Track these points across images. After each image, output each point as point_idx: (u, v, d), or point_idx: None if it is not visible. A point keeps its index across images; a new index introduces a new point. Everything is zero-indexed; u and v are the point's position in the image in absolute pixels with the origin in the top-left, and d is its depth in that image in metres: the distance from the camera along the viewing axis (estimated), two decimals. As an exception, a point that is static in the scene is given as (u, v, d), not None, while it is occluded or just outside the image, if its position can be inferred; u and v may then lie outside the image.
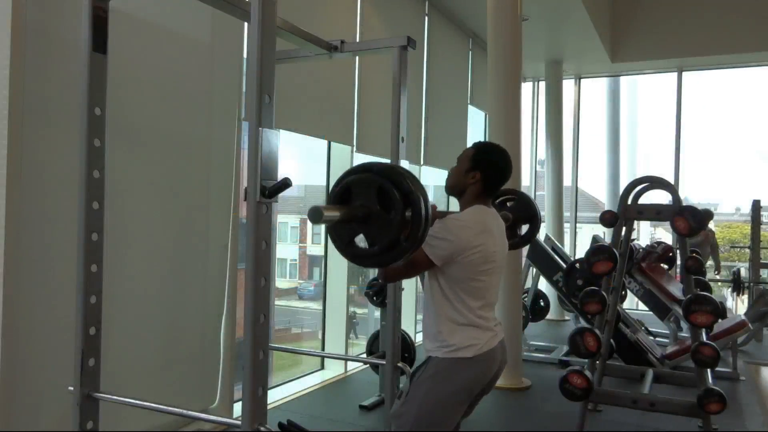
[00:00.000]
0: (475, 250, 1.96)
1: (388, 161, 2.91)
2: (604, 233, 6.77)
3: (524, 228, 2.85)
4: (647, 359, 4.90)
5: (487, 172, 2.07)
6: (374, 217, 1.68)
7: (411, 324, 6.01)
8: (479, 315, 2.01)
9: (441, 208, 2.28)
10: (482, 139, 2.22)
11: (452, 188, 2.16)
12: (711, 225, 7.27)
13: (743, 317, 5.35)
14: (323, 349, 4.97)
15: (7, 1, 2.30)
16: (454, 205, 2.24)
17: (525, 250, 5.63)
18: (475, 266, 1.98)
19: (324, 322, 4.93)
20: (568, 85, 8.74)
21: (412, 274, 2.06)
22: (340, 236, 1.76)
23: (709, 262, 7.12)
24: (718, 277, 7.32)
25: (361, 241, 1.78)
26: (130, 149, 2.86)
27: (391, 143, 2.89)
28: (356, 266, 6.32)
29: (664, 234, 10.75)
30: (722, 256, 7.83)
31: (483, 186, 2.07)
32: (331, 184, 4.86)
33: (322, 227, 5.05)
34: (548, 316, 6.91)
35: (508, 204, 2.81)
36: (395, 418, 2.03)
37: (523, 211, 2.79)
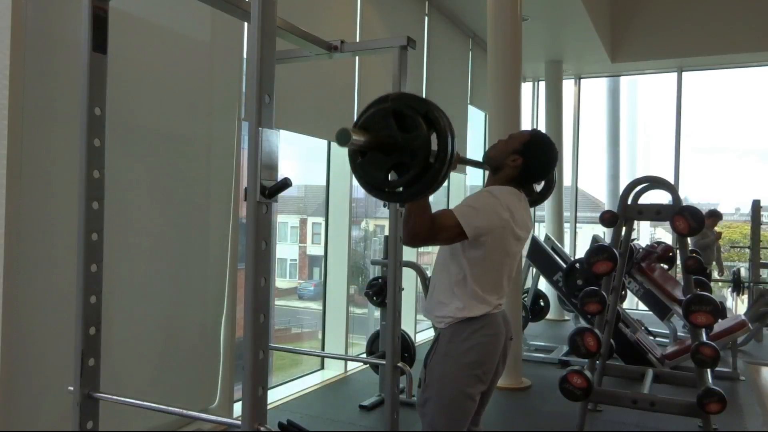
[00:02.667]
0: (502, 230, 1.97)
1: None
2: (604, 233, 6.77)
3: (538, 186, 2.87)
4: (647, 359, 4.90)
5: (530, 162, 2.06)
6: (400, 146, 1.67)
7: (411, 324, 6.01)
8: (490, 296, 2.03)
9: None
10: (482, 148, 2.23)
11: (492, 159, 2.14)
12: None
13: (743, 317, 5.35)
14: (323, 349, 4.97)
15: (7, 1, 2.30)
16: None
17: (525, 250, 5.62)
18: (499, 247, 1.99)
19: (324, 322, 4.93)
20: (568, 85, 8.74)
21: (438, 239, 1.98)
22: (371, 172, 1.74)
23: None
24: (720, 277, 7.32)
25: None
26: (130, 149, 2.86)
27: (391, 143, 2.88)
28: (356, 266, 6.33)
29: (664, 234, 10.75)
30: (722, 256, 7.83)
31: (520, 173, 2.07)
32: (332, 184, 4.91)
33: (321, 229, 5.04)
34: (548, 316, 6.91)
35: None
36: (420, 406, 2.05)
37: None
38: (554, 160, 2.12)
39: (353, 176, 1.83)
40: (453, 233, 1.93)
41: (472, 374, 2.00)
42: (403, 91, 1.94)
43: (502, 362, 2.12)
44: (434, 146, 1.67)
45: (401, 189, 1.73)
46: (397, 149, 1.67)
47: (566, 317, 7.48)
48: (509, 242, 2.02)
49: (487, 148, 2.17)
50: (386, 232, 3.49)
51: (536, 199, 2.85)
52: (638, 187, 3.89)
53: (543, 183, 2.84)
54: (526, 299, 6.18)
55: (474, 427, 2.15)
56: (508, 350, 2.14)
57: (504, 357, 2.13)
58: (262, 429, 1.68)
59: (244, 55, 3.43)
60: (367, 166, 1.75)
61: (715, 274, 7.29)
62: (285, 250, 9.00)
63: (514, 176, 2.08)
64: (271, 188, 1.67)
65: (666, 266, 6.19)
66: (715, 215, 6.95)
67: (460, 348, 1.99)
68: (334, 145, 4.86)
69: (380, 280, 4.23)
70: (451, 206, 2.12)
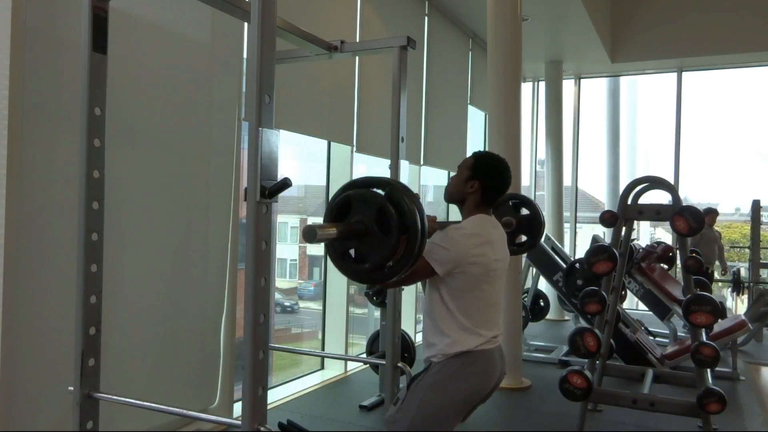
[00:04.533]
0: (476, 259, 1.97)
1: (388, 161, 2.91)
2: (604, 233, 6.77)
3: (524, 238, 2.87)
4: (647, 359, 4.90)
5: (486, 181, 2.08)
6: (370, 235, 1.71)
7: (411, 324, 6.01)
8: (480, 329, 2.01)
9: (441, 216, 2.30)
10: (482, 148, 2.24)
11: (452, 196, 2.17)
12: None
13: (743, 317, 5.35)
14: (323, 349, 4.97)
15: (7, 1, 2.30)
16: (454, 214, 2.26)
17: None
18: (477, 276, 1.98)
19: (324, 322, 4.93)
20: (568, 85, 8.74)
21: (412, 282, 2.06)
22: (334, 248, 1.80)
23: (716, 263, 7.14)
24: (723, 277, 7.32)
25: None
26: (130, 149, 2.86)
27: (391, 143, 2.89)
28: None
29: (664, 234, 10.75)
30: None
31: (482, 195, 2.08)
32: (332, 184, 4.91)
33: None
34: (548, 316, 6.91)
35: (521, 211, 2.81)
36: (389, 423, 2.03)
37: (529, 225, 2.80)
38: (507, 170, 2.13)
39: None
40: (425, 275, 1.98)
41: (455, 409, 1.98)
42: (396, 183, 1.96)
43: (490, 393, 2.10)
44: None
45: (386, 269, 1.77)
46: (367, 237, 1.73)
47: (566, 317, 7.47)
48: (483, 268, 2.00)
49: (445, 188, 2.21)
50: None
51: (514, 251, 2.83)
52: (638, 187, 3.88)
53: (525, 240, 2.84)
54: (526, 299, 6.17)
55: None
56: (499, 383, 2.12)
57: (494, 389, 2.10)
58: (262, 429, 1.68)
59: (244, 55, 3.44)
60: (336, 243, 1.79)
61: (717, 274, 7.28)
62: (285, 250, 9.00)
63: (480, 200, 2.09)
64: (271, 188, 1.68)
65: (666, 266, 6.19)
66: (712, 212, 6.96)
67: (450, 382, 1.97)
68: (334, 144, 4.86)
69: (380, 285, 4.22)
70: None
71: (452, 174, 2.21)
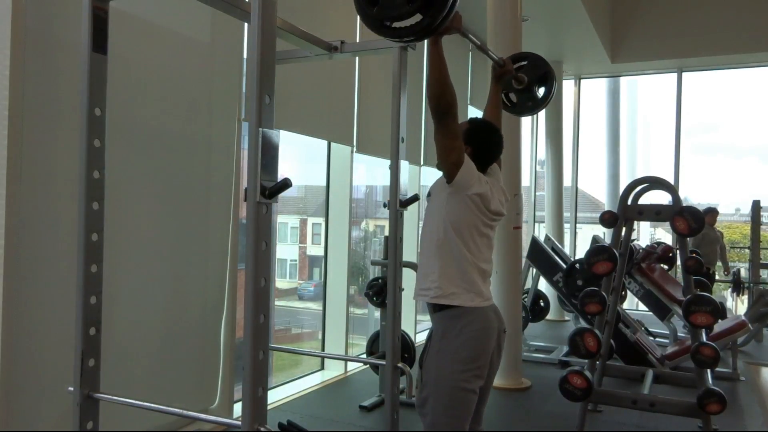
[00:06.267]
0: (481, 189, 2.04)
1: (388, 161, 2.91)
2: (604, 233, 6.77)
3: (540, 91, 2.91)
4: (647, 359, 4.90)
5: (479, 146, 2.15)
6: None
7: (411, 324, 6.01)
8: (479, 285, 2.07)
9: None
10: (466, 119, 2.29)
11: None
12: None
13: (743, 318, 5.35)
14: (323, 349, 4.96)
15: (7, 1, 2.30)
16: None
17: (525, 250, 5.63)
18: (480, 210, 2.05)
19: (324, 322, 4.93)
20: (568, 86, 8.74)
21: (447, 123, 1.98)
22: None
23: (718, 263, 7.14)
24: (725, 277, 7.33)
25: None
26: (130, 149, 2.85)
27: (391, 143, 2.89)
28: (356, 266, 6.33)
29: (664, 234, 10.75)
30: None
31: (476, 159, 2.13)
32: (332, 184, 4.90)
33: (321, 229, 5.04)
34: (548, 317, 6.91)
35: (521, 69, 2.87)
36: (420, 407, 2.06)
37: (537, 71, 2.85)
38: (498, 134, 2.23)
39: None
40: (457, 144, 1.98)
41: (468, 369, 2.00)
42: None
43: (497, 355, 2.13)
44: None
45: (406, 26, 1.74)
46: None
47: (566, 318, 7.47)
48: (485, 208, 2.07)
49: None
50: (386, 233, 3.49)
51: (538, 104, 2.90)
52: (638, 188, 3.88)
53: (543, 89, 2.89)
54: (526, 300, 6.17)
55: (476, 426, 2.15)
56: (502, 342, 2.15)
57: (499, 350, 2.13)
58: (262, 429, 1.68)
59: (244, 55, 3.43)
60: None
61: (719, 275, 7.28)
62: (285, 250, 9.00)
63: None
64: (271, 188, 1.67)
65: (666, 266, 6.19)
66: (712, 211, 6.96)
67: (453, 344, 2.01)
68: (334, 145, 4.86)
69: (380, 281, 4.23)
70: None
71: None
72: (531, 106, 2.96)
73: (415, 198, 2.97)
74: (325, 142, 4.84)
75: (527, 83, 2.81)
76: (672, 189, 3.80)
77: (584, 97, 9.06)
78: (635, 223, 3.99)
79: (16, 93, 2.33)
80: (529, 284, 6.26)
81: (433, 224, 2.10)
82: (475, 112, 7.67)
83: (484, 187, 2.05)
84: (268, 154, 1.69)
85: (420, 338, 5.94)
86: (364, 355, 4.46)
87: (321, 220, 5.20)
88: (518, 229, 4.63)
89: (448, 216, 2.05)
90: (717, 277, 7.21)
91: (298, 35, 2.70)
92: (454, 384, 1.99)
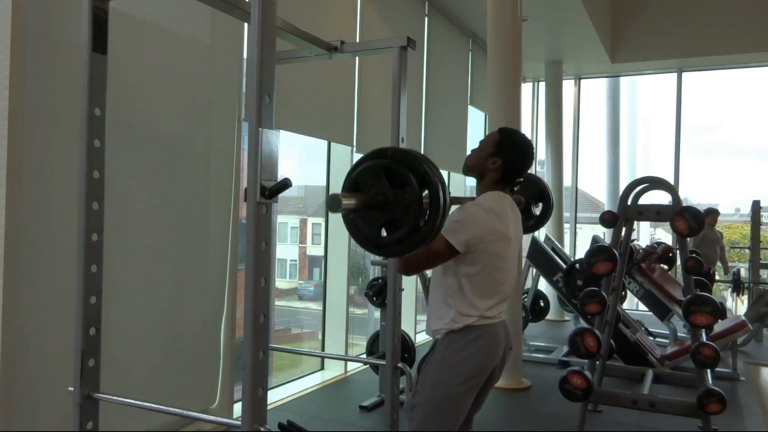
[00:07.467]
0: (494, 237, 1.96)
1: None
2: (604, 233, 6.77)
3: (537, 209, 2.90)
4: (647, 360, 4.90)
5: (509, 160, 2.05)
6: (392, 203, 1.68)
7: (411, 324, 6.01)
8: (488, 312, 2.02)
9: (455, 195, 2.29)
10: (498, 128, 2.23)
11: (471, 169, 2.14)
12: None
13: (743, 318, 5.35)
14: (323, 349, 4.96)
15: (7, 1, 2.30)
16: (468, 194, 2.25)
17: (524, 250, 5.63)
18: (493, 254, 1.97)
19: (324, 322, 4.93)
20: (568, 86, 8.74)
21: (433, 264, 2.02)
22: (363, 228, 1.76)
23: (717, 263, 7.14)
24: (724, 277, 7.33)
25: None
26: (130, 149, 2.85)
27: (391, 143, 2.89)
28: (356, 266, 6.33)
29: (664, 234, 10.75)
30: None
31: (503, 173, 2.06)
32: (331, 184, 4.91)
33: (321, 229, 5.05)
34: (548, 317, 6.91)
35: (515, 188, 2.86)
36: (409, 410, 2.04)
37: (533, 189, 2.83)
38: (530, 149, 2.12)
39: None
40: (446, 255, 1.95)
41: (465, 382, 1.98)
42: (395, 147, 1.96)
43: (498, 371, 2.11)
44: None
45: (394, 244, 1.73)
46: (389, 206, 1.68)
47: (566, 318, 7.48)
48: (501, 246, 2.00)
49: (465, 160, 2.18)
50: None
51: (535, 224, 2.87)
52: (638, 188, 3.88)
53: (541, 206, 2.87)
54: (526, 300, 6.17)
55: (466, 427, 2.14)
56: (507, 359, 2.12)
57: (502, 366, 2.11)
58: (261, 429, 1.68)
59: (244, 55, 3.43)
60: (360, 222, 1.75)
61: (719, 275, 7.28)
62: (285, 250, 9.00)
63: (499, 177, 2.07)
64: (271, 189, 1.67)
65: (666, 267, 6.19)
66: (713, 212, 6.97)
67: (457, 356, 1.98)
68: (334, 145, 4.86)
69: (380, 281, 4.23)
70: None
71: (473, 148, 2.19)
72: (533, 225, 2.94)
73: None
74: (325, 142, 4.84)
75: (525, 203, 2.78)
76: (672, 189, 3.80)
77: (584, 97, 9.06)
78: (635, 223, 3.99)
79: (16, 93, 2.33)
80: (529, 284, 6.26)
81: (444, 277, 2.03)
82: (475, 112, 7.67)
83: (490, 224, 1.97)
84: (268, 155, 1.69)
85: (420, 339, 5.95)
86: (364, 355, 4.46)
87: (321, 220, 5.20)
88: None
89: (461, 270, 1.99)
90: (717, 277, 7.21)
91: (298, 35, 2.69)
92: (448, 394, 1.97)
